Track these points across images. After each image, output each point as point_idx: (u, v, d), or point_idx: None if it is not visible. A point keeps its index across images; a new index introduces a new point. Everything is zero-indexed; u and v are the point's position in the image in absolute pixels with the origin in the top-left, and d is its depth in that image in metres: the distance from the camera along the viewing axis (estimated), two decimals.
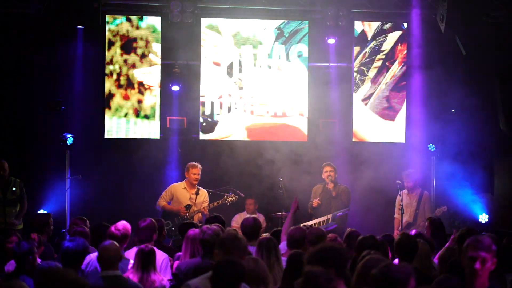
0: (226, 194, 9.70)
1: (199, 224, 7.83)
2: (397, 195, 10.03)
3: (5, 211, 8.82)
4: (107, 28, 10.86)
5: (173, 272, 5.37)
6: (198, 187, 9.63)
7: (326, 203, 9.73)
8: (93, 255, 5.73)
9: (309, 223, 9.12)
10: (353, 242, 6.21)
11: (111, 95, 10.92)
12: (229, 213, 10.22)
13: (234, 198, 9.73)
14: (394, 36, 11.33)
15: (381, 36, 11.32)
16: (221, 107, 11.14)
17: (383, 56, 11.33)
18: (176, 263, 5.97)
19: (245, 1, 10.96)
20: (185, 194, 9.57)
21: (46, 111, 10.61)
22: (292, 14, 11.22)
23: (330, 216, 9.45)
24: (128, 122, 10.96)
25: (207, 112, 11.09)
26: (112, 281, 4.92)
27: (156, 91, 11.00)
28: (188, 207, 9.42)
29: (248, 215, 10.34)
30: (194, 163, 9.65)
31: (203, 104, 11.08)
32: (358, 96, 11.29)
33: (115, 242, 5.23)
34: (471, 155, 10.86)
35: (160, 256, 6.10)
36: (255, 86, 11.23)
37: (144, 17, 10.97)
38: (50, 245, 7.07)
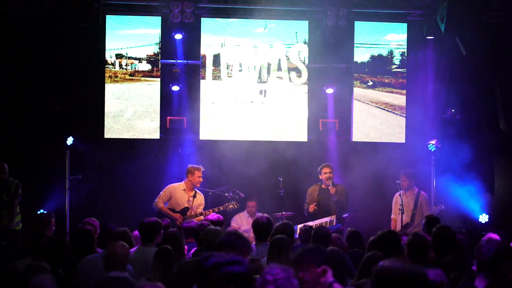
0: (227, 202, 9.66)
1: None
2: (395, 195, 10.03)
3: (1, 214, 8.79)
4: (107, 27, 10.87)
5: None
6: (196, 189, 9.59)
7: (325, 205, 9.69)
8: None
9: (311, 223, 9.10)
10: (354, 241, 6.22)
11: (111, 95, 10.95)
12: (229, 213, 10.20)
13: (235, 206, 9.69)
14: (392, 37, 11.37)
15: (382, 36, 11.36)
16: (220, 107, 11.14)
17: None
18: None
19: (245, 1, 10.95)
20: (183, 196, 9.52)
21: (46, 111, 10.61)
22: (292, 14, 11.21)
23: (333, 217, 9.43)
24: (128, 122, 10.97)
25: (208, 112, 11.11)
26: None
27: (157, 90, 11.02)
28: (185, 210, 9.39)
29: (248, 216, 10.38)
30: (197, 166, 9.58)
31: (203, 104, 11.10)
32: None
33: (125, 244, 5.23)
34: (471, 155, 10.86)
35: None
36: (255, 85, 11.23)
37: (145, 16, 10.98)
38: None
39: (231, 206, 9.63)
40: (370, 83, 11.37)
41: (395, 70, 11.39)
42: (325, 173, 9.76)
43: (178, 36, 10.82)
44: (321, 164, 9.98)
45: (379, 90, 11.38)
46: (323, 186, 9.82)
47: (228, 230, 5.99)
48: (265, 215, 6.51)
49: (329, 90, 11.06)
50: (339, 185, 9.87)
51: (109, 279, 4.93)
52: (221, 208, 9.48)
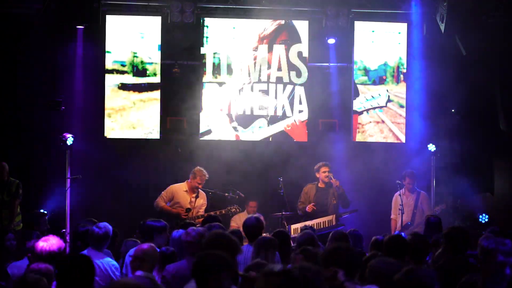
0: (230, 206, 9.64)
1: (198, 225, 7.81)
2: (395, 195, 10.03)
3: (1, 214, 8.79)
4: (107, 27, 10.88)
5: (161, 275, 5.35)
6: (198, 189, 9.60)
7: (322, 204, 9.67)
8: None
9: (309, 222, 9.10)
10: (355, 241, 6.23)
11: (111, 95, 10.95)
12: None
13: (237, 209, 9.68)
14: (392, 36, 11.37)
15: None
16: (220, 108, 11.14)
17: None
18: None
19: (245, 1, 10.95)
20: (186, 197, 9.52)
21: (46, 111, 10.61)
22: (292, 14, 11.21)
23: (332, 217, 9.42)
24: (128, 122, 10.97)
25: (207, 111, 11.11)
26: None
27: (157, 91, 11.02)
28: (188, 210, 9.38)
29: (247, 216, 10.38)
30: (205, 173, 9.53)
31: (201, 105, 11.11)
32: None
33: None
34: (471, 155, 10.85)
35: None
36: (255, 85, 11.22)
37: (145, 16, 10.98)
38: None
39: (233, 209, 9.63)
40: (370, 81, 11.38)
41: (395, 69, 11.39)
42: (324, 172, 9.75)
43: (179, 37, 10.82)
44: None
45: (378, 91, 11.38)
46: (319, 185, 9.80)
47: (226, 230, 6.00)
48: (254, 216, 6.59)
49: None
50: None
51: (135, 278, 4.94)
52: (223, 212, 9.46)
